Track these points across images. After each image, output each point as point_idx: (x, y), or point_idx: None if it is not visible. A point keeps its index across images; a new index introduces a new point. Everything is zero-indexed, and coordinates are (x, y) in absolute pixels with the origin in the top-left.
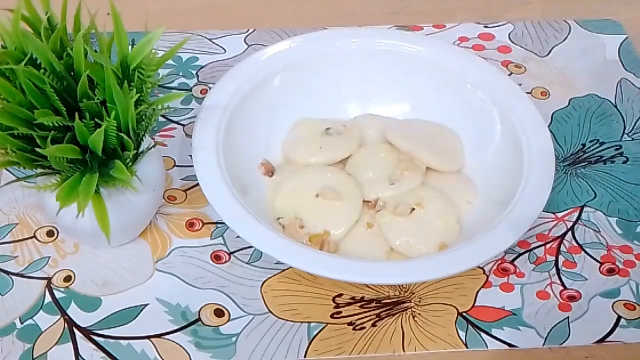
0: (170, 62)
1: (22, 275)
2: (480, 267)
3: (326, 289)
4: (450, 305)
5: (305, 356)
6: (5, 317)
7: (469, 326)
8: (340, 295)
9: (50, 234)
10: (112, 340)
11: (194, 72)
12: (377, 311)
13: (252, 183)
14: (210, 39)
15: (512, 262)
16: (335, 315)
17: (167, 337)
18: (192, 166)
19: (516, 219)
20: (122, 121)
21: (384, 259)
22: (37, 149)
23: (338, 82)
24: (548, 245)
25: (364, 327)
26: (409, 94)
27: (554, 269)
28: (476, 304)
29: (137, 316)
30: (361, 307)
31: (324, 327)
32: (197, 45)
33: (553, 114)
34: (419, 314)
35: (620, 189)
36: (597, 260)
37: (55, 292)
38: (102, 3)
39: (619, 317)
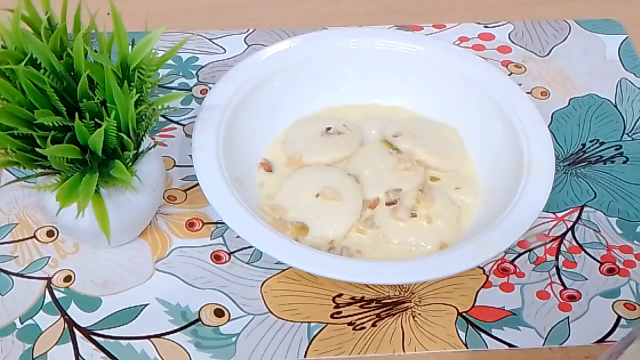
0: (170, 62)
1: (22, 275)
2: (480, 267)
3: (326, 289)
4: (450, 305)
5: (305, 356)
6: (5, 317)
7: (469, 326)
8: (340, 295)
9: (50, 234)
10: (112, 340)
11: (194, 72)
12: (377, 311)
13: (252, 183)
14: (210, 39)
15: (512, 262)
16: (335, 315)
17: (167, 337)
18: (192, 166)
19: (516, 219)
20: (122, 121)
21: (384, 259)
22: (37, 149)
23: (338, 82)
24: (548, 245)
25: (364, 327)
26: (408, 94)
27: (554, 268)
28: (476, 304)
29: (137, 316)
30: (361, 307)
31: (324, 327)
32: (197, 45)
33: (553, 114)
34: (419, 314)
35: (620, 189)
36: (597, 260)
37: (55, 292)
38: (102, 3)
39: (619, 317)
